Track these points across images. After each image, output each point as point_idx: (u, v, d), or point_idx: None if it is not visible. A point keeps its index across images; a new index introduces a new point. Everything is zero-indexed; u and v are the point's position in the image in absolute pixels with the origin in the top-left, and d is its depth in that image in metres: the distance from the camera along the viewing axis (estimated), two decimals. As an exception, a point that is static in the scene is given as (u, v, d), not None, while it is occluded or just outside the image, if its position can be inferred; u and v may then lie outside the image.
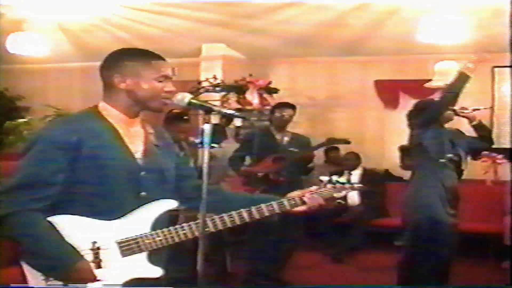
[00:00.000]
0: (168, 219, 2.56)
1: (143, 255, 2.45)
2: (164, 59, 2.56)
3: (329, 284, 6.39)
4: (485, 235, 7.43)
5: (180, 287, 2.65)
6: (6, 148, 9.03)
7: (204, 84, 8.54)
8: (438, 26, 6.11)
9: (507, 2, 6.36)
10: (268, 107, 7.70)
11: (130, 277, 2.42)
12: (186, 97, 2.45)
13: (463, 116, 5.37)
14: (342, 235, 7.76)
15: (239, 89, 8.42)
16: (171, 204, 2.55)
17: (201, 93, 8.50)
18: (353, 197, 8.16)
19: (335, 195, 2.86)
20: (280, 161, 5.98)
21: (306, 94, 9.39)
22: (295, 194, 2.78)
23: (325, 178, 2.89)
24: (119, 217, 2.42)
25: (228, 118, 7.85)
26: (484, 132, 5.40)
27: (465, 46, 7.31)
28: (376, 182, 8.32)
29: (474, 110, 5.40)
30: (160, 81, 2.49)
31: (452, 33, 6.20)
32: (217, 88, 8.48)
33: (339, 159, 8.73)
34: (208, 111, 2.37)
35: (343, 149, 8.76)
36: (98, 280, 2.36)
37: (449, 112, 5.16)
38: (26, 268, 2.38)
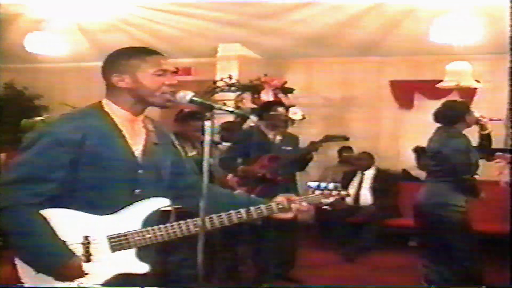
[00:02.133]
0: (160, 217, 2.60)
1: (132, 251, 2.50)
2: (162, 54, 2.59)
3: (341, 283, 6.41)
4: (499, 235, 7.42)
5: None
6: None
7: (220, 83, 8.58)
8: (451, 27, 6.10)
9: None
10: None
11: (117, 272, 2.47)
12: (188, 94, 2.48)
13: (480, 124, 5.39)
14: (354, 234, 7.78)
15: (254, 89, 8.45)
16: (163, 202, 2.58)
17: (217, 92, 8.56)
18: (366, 197, 8.20)
19: (323, 201, 2.89)
20: (276, 160, 5.96)
21: (321, 94, 9.46)
22: (281, 199, 2.81)
23: (313, 184, 2.91)
24: (111, 213, 2.47)
25: (243, 117, 7.91)
26: (487, 143, 5.42)
27: (479, 47, 7.32)
28: (389, 182, 8.35)
29: (491, 120, 5.42)
30: (159, 75, 2.51)
31: (466, 34, 6.19)
32: (232, 88, 8.52)
33: (352, 159, 8.76)
34: (210, 108, 2.42)
35: (356, 149, 8.80)
36: (86, 275, 2.41)
37: (472, 118, 5.21)
38: (18, 262, 2.43)
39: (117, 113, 2.55)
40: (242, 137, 6.44)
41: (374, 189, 8.24)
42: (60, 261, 2.37)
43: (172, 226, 2.55)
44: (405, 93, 9.11)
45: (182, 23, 7.85)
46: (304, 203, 2.84)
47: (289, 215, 2.82)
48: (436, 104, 8.36)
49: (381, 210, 7.93)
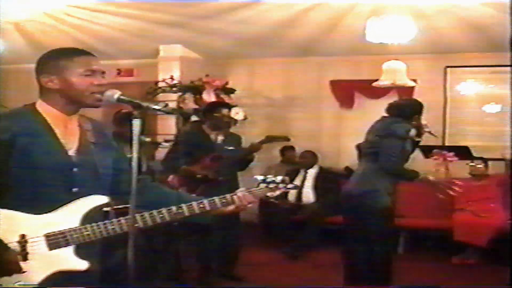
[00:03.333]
0: (100, 215, 2.61)
1: (70, 249, 2.50)
2: (91, 54, 2.61)
3: (284, 281, 6.49)
4: (436, 231, 7.65)
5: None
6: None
7: (161, 84, 8.60)
8: (385, 27, 6.22)
9: (454, 3, 6.57)
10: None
11: (55, 270, 2.46)
12: (116, 93, 2.51)
13: (419, 130, 5.48)
14: (297, 232, 7.85)
15: (196, 89, 8.48)
16: (101, 199, 2.59)
17: (158, 93, 8.56)
18: (308, 195, 8.28)
19: (269, 194, 2.91)
20: (218, 160, 6.00)
21: (263, 94, 9.54)
22: (228, 195, 2.83)
23: (259, 178, 2.92)
24: (48, 212, 2.47)
25: (185, 117, 7.96)
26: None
27: (416, 47, 7.49)
28: (331, 180, 8.45)
29: (430, 133, 5.50)
30: (88, 75, 2.53)
31: (400, 34, 6.32)
32: (174, 89, 8.54)
33: (295, 158, 8.85)
34: (137, 107, 2.44)
35: (298, 148, 8.89)
36: (23, 272, 2.39)
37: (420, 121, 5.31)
38: None
39: (50, 113, 2.56)
40: (184, 137, 6.46)
41: (317, 187, 8.34)
42: None
43: (111, 223, 2.56)
44: (345, 92, 9.23)
45: (122, 24, 7.81)
46: (249, 195, 2.85)
47: (231, 208, 2.83)
48: (376, 102, 8.63)
49: (323, 208, 8.01)
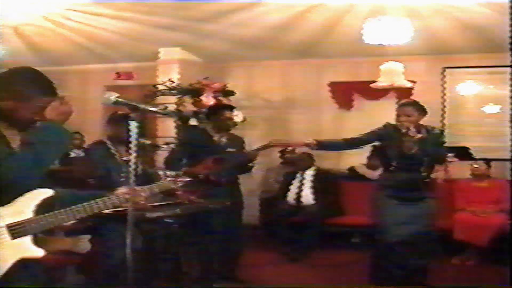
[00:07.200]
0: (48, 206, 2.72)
1: (29, 238, 2.62)
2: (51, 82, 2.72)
3: (285, 282, 6.48)
4: (437, 231, 7.64)
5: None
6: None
7: (160, 87, 8.62)
8: (384, 29, 6.22)
9: (452, 4, 6.59)
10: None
11: (19, 257, 2.58)
12: (112, 95, 2.57)
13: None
14: (298, 234, 7.86)
15: (195, 92, 8.51)
16: (47, 192, 2.70)
17: (158, 96, 8.58)
18: (308, 197, 8.28)
19: (173, 186, 3.40)
20: (220, 162, 6.00)
21: (262, 96, 9.57)
22: (123, 191, 2.96)
23: (160, 172, 3.43)
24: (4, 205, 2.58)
25: (184, 119, 8.01)
26: (425, 147, 5.48)
27: (414, 48, 7.50)
28: (329, 181, 8.46)
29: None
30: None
31: (398, 35, 6.31)
32: (173, 91, 8.56)
33: (294, 160, 8.83)
34: (134, 109, 2.48)
35: (298, 150, 8.88)
36: None
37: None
38: None
39: None
40: (188, 138, 6.48)
41: (315, 189, 8.33)
42: None
43: (60, 213, 2.70)
44: (344, 94, 9.25)
45: (121, 27, 7.81)
46: (143, 193, 3.08)
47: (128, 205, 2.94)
48: (375, 104, 8.68)
49: (323, 209, 8.02)
